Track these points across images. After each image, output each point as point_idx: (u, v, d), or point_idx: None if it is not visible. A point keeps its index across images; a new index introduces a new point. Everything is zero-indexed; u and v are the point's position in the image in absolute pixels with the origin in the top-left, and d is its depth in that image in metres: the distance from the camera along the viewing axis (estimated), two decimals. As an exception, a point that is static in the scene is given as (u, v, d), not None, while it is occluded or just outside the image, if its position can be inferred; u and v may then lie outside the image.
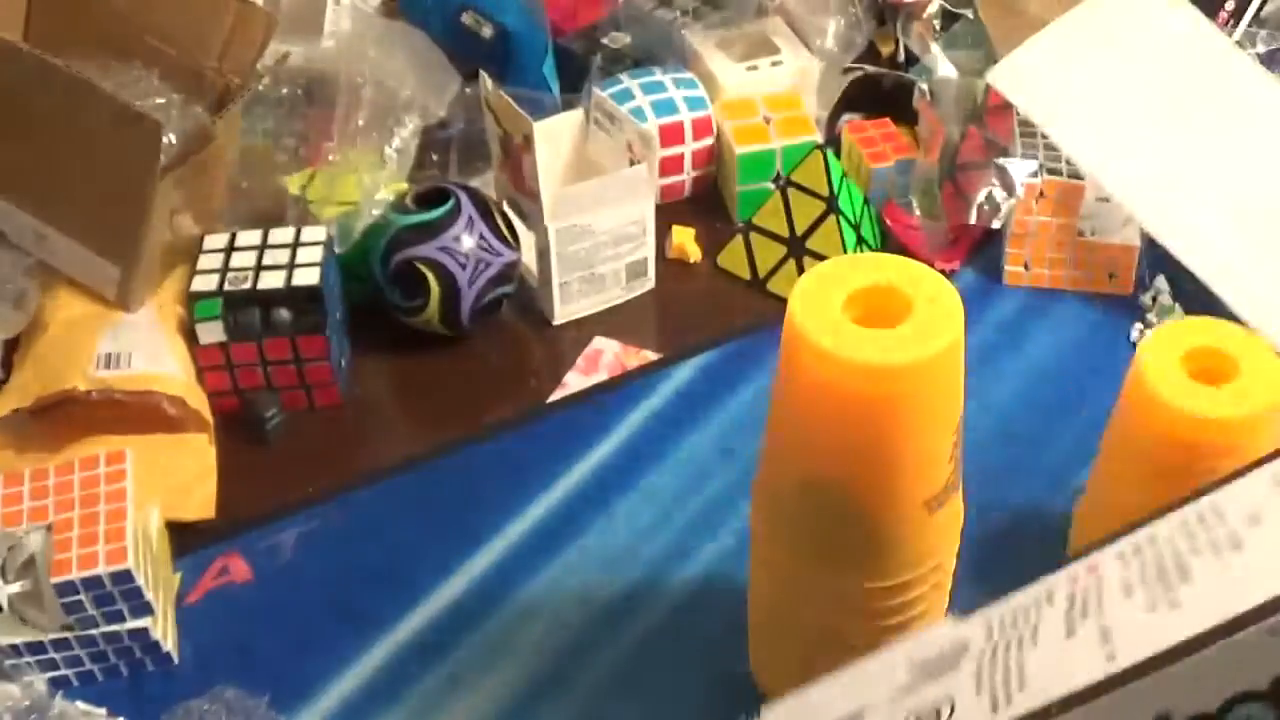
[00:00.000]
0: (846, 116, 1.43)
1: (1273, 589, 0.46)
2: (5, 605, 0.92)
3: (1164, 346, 0.91)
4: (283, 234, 1.17)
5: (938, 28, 1.38)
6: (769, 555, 0.87)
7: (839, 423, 0.76)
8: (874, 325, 0.74)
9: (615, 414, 1.18)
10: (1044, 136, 1.28)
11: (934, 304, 0.74)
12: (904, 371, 0.72)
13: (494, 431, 1.17)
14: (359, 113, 1.26)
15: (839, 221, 1.24)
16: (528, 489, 1.11)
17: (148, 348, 1.10)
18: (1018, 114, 1.29)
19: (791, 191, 1.26)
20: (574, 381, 1.21)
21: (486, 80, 1.23)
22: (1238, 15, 1.36)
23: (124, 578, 0.91)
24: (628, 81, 1.37)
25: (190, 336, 1.13)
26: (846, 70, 1.43)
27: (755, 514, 0.87)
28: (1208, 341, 0.91)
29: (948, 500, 0.81)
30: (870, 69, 1.42)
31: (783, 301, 0.73)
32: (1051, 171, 1.26)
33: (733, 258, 1.32)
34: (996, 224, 1.29)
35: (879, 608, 0.84)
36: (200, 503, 1.08)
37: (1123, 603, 0.51)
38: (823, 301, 0.75)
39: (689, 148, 1.37)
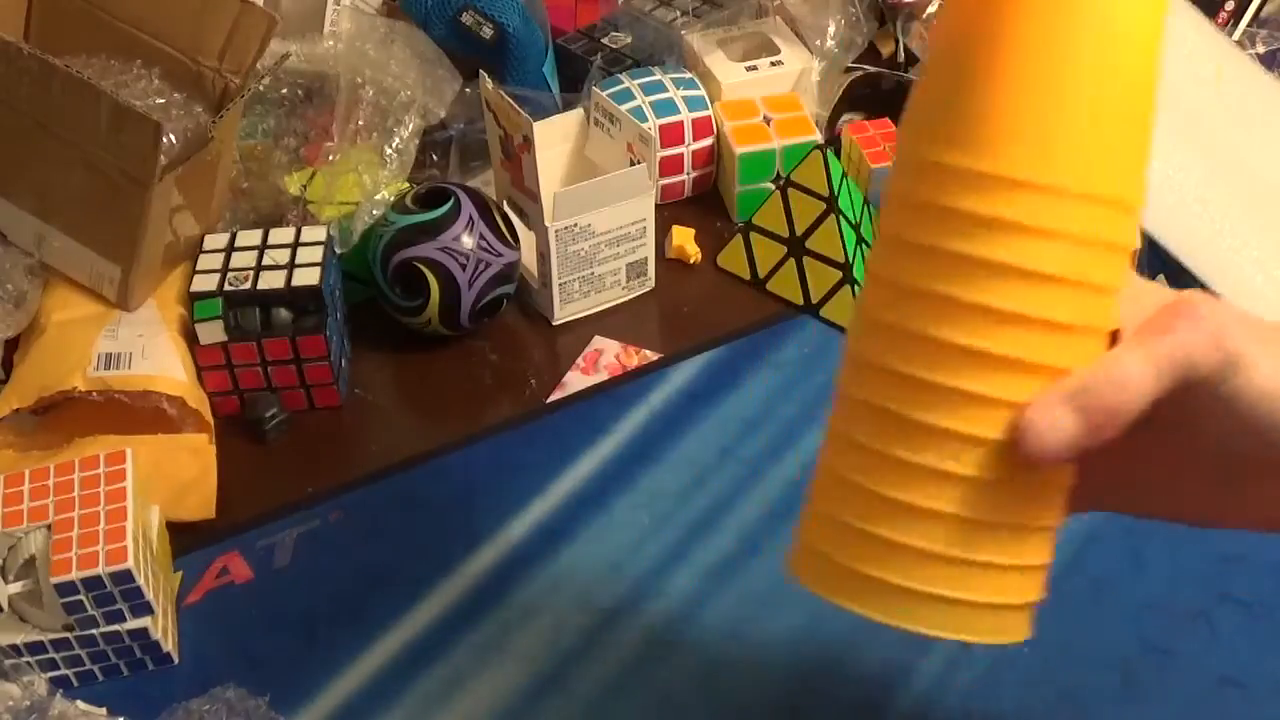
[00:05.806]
0: (846, 116, 1.43)
1: None
2: (5, 605, 0.93)
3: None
4: (283, 234, 1.18)
5: (938, 28, 1.38)
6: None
7: None
8: None
9: (615, 414, 1.18)
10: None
11: None
12: None
13: (494, 431, 1.17)
14: (359, 113, 1.26)
15: (839, 221, 1.24)
16: (528, 489, 1.11)
17: (148, 348, 1.10)
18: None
19: (791, 191, 1.26)
20: (574, 381, 1.21)
21: (486, 80, 1.23)
22: (1238, 15, 1.36)
23: (124, 577, 0.91)
24: (628, 81, 1.37)
25: (190, 336, 1.13)
26: (846, 70, 1.43)
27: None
28: None
29: None
30: (870, 69, 1.42)
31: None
32: (1051, 171, 1.26)
33: (733, 258, 1.32)
34: (996, 224, 1.29)
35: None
36: (200, 503, 1.08)
37: None
38: None
39: (689, 148, 1.37)
